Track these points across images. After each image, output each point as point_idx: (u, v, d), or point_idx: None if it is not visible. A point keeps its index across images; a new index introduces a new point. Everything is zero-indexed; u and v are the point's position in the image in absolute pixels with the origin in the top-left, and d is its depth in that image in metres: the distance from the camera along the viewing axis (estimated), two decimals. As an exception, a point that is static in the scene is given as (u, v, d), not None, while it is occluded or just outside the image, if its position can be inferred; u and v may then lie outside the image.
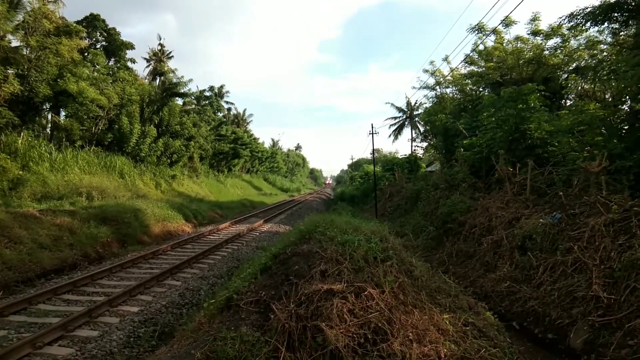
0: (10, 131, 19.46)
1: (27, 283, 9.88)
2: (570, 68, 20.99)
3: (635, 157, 10.66)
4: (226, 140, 46.77)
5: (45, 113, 24.46)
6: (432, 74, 30.49)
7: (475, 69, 25.81)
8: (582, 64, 20.19)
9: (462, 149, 19.94)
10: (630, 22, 14.09)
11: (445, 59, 29.58)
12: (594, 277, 7.74)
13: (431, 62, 29.26)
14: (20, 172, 18.04)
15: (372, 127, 33.55)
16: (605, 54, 18.86)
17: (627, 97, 12.55)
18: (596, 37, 18.99)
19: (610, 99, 14.74)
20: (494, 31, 23.06)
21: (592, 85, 18.55)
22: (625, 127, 12.74)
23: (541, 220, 10.69)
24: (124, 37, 32.06)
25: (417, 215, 21.00)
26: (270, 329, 5.07)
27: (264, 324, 5.24)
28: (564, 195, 11.41)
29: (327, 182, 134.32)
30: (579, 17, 14.52)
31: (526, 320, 8.68)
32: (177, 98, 34.37)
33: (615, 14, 13.97)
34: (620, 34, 15.63)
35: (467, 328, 5.63)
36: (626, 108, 13.15)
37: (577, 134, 13.63)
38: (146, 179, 28.57)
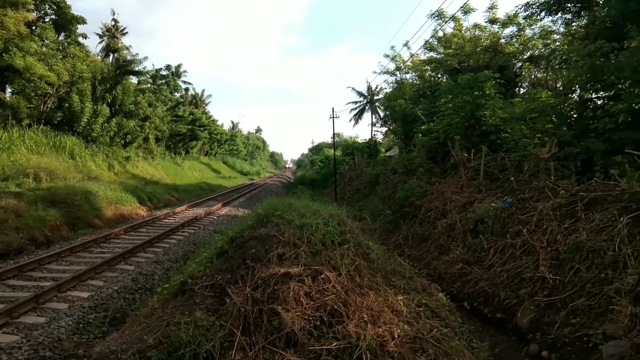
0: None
1: (-33, 268, 9.32)
2: (525, 57, 21.63)
3: (583, 144, 11.12)
4: (183, 121, 45.58)
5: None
6: (393, 59, 30.72)
7: (435, 55, 26.16)
8: (536, 53, 20.83)
9: (420, 135, 20.25)
10: (582, 13, 14.61)
11: (406, 44, 29.90)
12: (541, 259, 8.06)
13: (392, 47, 29.33)
14: (-39, 152, 16.99)
15: (333, 111, 33.58)
16: (558, 43, 19.52)
17: (577, 86, 13.01)
18: (550, 27, 19.60)
19: (561, 88, 15.26)
20: (453, 18, 23.37)
21: (545, 74, 19.19)
22: (575, 115, 13.24)
23: (493, 204, 11.02)
24: (80, 11, 30.54)
25: (376, 199, 21.27)
26: (226, 313, 5.01)
27: (219, 308, 5.16)
28: (515, 180, 11.80)
29: (287, 165, 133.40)
30: (534, 6, 14.93)
31: (477, 300, 8.98)
32: (131, 76, 33.04)
33: (569, 5, 14.46)
34: (573, 24, 16.17)
35: (421, 309, 5.75)
36: (576, 97, 13.65)
37: (529, 121, 14.08)
38: (98, 160, 27.43)
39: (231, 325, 4.81)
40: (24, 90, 21.91)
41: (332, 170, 34.81)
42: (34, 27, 25.02)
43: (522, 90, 21.77)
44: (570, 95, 13.93)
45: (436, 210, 13.93)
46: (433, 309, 6.00)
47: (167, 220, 17.34)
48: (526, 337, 7.04)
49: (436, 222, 13.30)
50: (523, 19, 19.09)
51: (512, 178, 11.90)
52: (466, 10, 22.62)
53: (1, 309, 6.50)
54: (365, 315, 5.06)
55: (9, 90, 23.24)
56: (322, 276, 5.38)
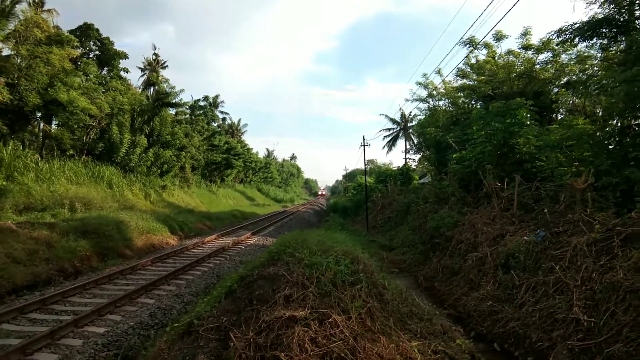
0: (-2, 140, 19.23)
1: (-5, 300, 9.54)
2: (562, 82, 20.95)
3: (622, 173, 10.48)
4: (219, 150, 46.56)
5: (37, 122, 24.22)
6: (425, 86, 30.44)
7: (468, 82, 25.78)
8: (574, 78, 20.14)
9: (453, 162, 19.81)
10: (618, 37, 14.02)
11: (438, 72, 29.52)
12: (575, 298, 7.51)
13: (424, 75, 29.07)
14: (4, 183, 17.76)
15: (364, 139, 33.42)
16: (596, 68, 18.81)
17: (615, 113, 12.41)
18: (586, 52, 18.93)
19: (600, 114, 14.61)
20: (485, 45, 23.04)
21: (582, 100, 18.48)
22: (613, 143, 12.58)
23: (525, 237, 10.49)
24: (124, 47, 32.14)
25: (407, 228, 20.83)
26: (228, 358, 4.82)
27: (222, 353, 4.99)
28: (550, 212, 11.20)
29: (321, 192, 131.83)
30: (567, 32, 14.46)
31: (507, 341, 8.41)
32: (169, 108, 34.15)
33: (604, 30, 13.90)
34: (610, 49, 15.56)
35: (437, 356, 5.39)
36: (615, 124, 13.00)
37: (566, 149, 13.49)
38: (135, 189, 28.26)
39: (232, 373, 4.61)
40: (68, 122, 23.04)
41: (364, 197, 34.43)
42: (78, 63, 26.34)
43: (559, 117, 21.02)
44: (609, 122, 13.30)
45: (467, 242, 13.42)
46: (452, 356, 5.61)
47: (195, 250, 17.41)
48: (559, 385, 6.50)
49: (467, 255, 12.78)
50: (556, 45, 18.53)
51: (546, 210, 11.29)
52: (498, 37, 22.26)
53: (16, 346, 6.53)
54: (374, 364, 4.77)
55: (54, 123, 24.48)
56: (330, 320, 5.13)
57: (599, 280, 7.44)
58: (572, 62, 20.01)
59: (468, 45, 22.83)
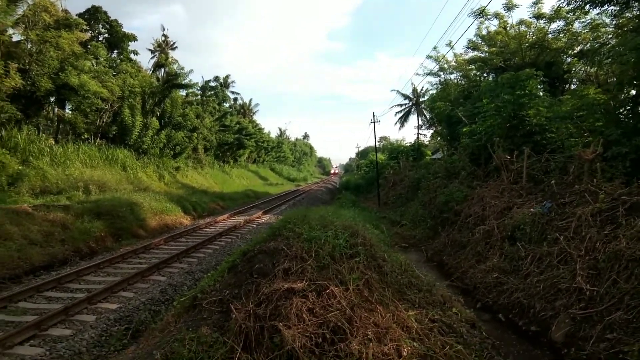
0: (12, 126, 19.56)
1: (14, 280, 9.90)
2: (574, 52, 20.44)
3: (632, 142, 10.32)
4: (230, 130, 46.69)
5: (52, 107, 24.55)
6: (436, 59, 29.96)
7: (479, 54, 25.33)
8: (587, 47, 19.63)
9: (464, 136, 19.66)
10: (630, 3, 13.60)
11: (449, 44, 29.01)
12: (578, 268, 7.55)
13: (434, 48, 28.51)
14: (20, 167, 18.15)
15: (374, 116, 33.29)
16: (610, 36, 18.30)
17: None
18: (599, 19, 18.39)
19: (613, 83, 14.26)
20: (496, 15, 22.54)
21: (595, 69, 18.05)
22: (625, 113, 12.35)
23: (531, 209, 10.47)
24: (133, 29, 32.14)
25: (417, 204, 20.83)
26: (230, 329, 4.99)
27: (224, 324, 5.16)
28: (558, 184, 11.15)
29: (334, 170, 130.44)
30: (577, -1, 14.07)
31: (512, 312, 8.52)
32: (179, 89, 34.26)
33: (615, -5, 13.49)
34: (623, 15, 15.10)
35: (434, 324, 5.50)
36: (627, 92, 12.72)
37: (577, 120, 13.28)
38: (149, 171, 28.64)
39: (233, 342, 4.78)
40: (80, 106, 23.28)
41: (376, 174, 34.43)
42: (88, 46, 26.45)
43: (573, 87, 20.58)
44: (621, 91, 13.02)
45: (475, 216, 13.44)
46: (449, 324, 5.72)
47: (207, 230, 17.71)
48: (560, 352, 6.60)
49: (475, 229, 12.80)
50: (567, 12, 18.04)
51: (553, 181, 11.22)
52: (509, 6, 21.72)
53: (31, 322, 6.83)
54: (370, 332, 4.90)
55: (68, 107, 24.80)
56: (328, 291, 5.26)
57: (603, 250, 7.45)
58: (585, 31, 19.47)
59: (478, 16, 22.37)
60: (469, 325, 6.14)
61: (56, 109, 24.32)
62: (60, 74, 21.47)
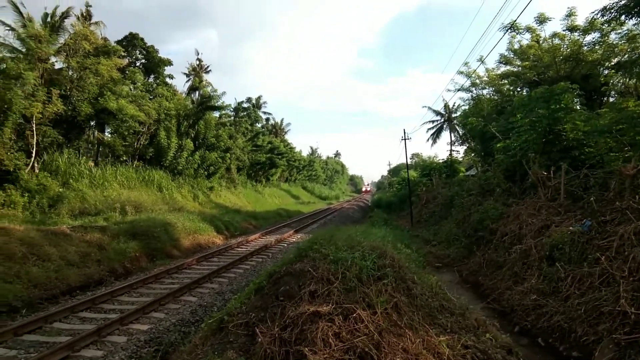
0: (54, 150, 20.40)
1: (51, 300, 10.15)
2: (611, 63, 19.78)
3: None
4: (262, 150, 47.32)
5: (92, 130, 25.56)
6: (467, 75, 29.60)
7: (511, 69, 24.89)
8: (624, 58, 18.97)
9: (498, 152, 19.22)
10: (668, 12, 13.10)
11: (480, 59, 28.62)
12: (622, 290, 7.15)
13: (465, 64, 28.20)
14: (61, 190, 18.84)
15: (405, 133, 33.05)
16: (648, 46, 17.65)
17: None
18: (637, 29, 17.77)
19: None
20: (528, 29, 22.15)
21: (634, 81, 17.40)
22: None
23: (570, 228, 10.04)
24: (169, 54, 33.25)
25: (451, 222, 20.40)
26: (255, 353, 4.93)
27: (250, 348, 5.11)
28: (598, 201, 10.68)
29: (365, 188, 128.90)
30: (612, 10, 13.65)
31: (552, 336, 8.13)
32: (213, 111, 35.05)
33: (652, 5, 13.03)
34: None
35: (467, 350, 5.27)
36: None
37: (616, 134, 12.77)
38: (184, 191, 29.23)
39: (258, 367, 4.71)
40: (119, 129, 24.19)
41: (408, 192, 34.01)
42: (125, 72, 27.51)
43: (611, 100, 19.88)
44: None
45: (511, 235, 13.03)
46: (484, 350, 5.46)
47: (238, 249, 17.81)
48: (605, 381, 6.21)
49: (511, 248, 12.38)
50: (602, 24, 17.54)
51: (592, 198, 10.75)
52: (541, 20, 21.33)
53: (64, 343, 6.94)
54: (399, 359, 4.73)
55: (107, 130, 25.77)
56: (354, 315, 5.13)
57: (648, 271, 7.04)
58: (622, 42, 18.84)
59: (509, 30, 22.02)
60: (504, 352, 5.85)
61: (96, 133, 25.33)
62: (99, 99, 22.34)
